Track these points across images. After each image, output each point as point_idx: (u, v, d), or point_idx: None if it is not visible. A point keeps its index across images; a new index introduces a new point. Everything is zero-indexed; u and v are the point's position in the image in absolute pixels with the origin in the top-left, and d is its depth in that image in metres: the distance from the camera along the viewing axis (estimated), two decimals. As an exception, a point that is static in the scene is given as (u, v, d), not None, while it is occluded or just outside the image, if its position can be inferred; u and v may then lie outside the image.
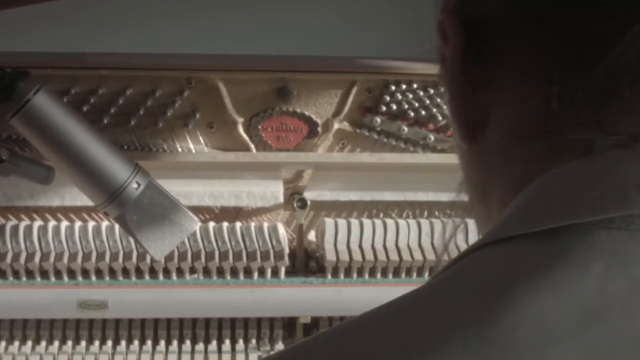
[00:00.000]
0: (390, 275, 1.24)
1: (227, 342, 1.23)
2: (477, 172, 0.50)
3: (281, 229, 1.23)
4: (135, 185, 0.94)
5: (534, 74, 0.44)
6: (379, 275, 1.24)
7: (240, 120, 1.22)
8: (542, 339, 0.37)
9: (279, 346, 1.24)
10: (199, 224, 1.16)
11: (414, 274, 1.24)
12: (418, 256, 1.23)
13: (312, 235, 1.28)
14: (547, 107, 0.44)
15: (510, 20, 0.45)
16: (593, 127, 0.42)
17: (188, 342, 1.23)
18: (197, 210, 1.17)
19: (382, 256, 1.22)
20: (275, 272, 1.22)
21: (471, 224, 0.55)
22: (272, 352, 1.23)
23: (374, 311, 0.42)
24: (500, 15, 0.46)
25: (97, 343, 1.21)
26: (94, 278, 1.19)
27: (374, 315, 0.42)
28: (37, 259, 1.17)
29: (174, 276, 1.20)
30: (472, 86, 0.47)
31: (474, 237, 0.48)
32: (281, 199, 1.24)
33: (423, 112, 1.25)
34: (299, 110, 1.23)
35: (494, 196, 0.48)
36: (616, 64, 0.41)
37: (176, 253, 1.19)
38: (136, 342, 1.22)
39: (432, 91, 1.25)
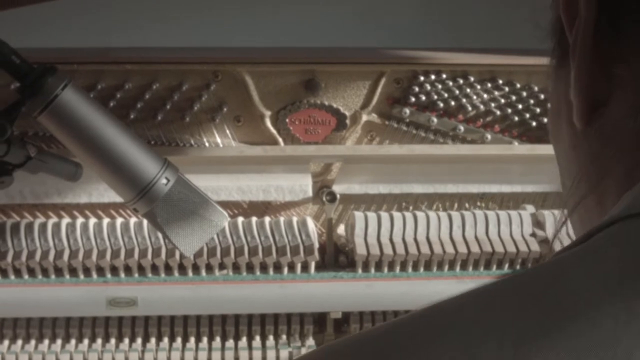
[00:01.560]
0: (422, 269, 1.22)
1: (258, 338, 1.22)
2: (592, 158, 0.45)
3: (310, 223, 1.21)
4: (164, 181, 0.93)
5: None
6: (410, 269, 1.22)
7: (267, 113, 1.21)
8: None
9: (310, 342, 1.23)
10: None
11: (446, 267, 1.22)
12: (450, 249, 1.21)
13: (341, 229, 1.27)
14: None
15: None
16: None
17: (218, 339, 1.22)
18: (225, 205, 1.15)
19: (413, 249, 1.20)
20: (305, 267, 1.21)
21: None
22: (310, 349, 1.22)
23: (506, 283, 0.39)
24: None
25: (126, 341, 1.21)
26: (122, 275, 1.18)
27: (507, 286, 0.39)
28: (65, 256, 1.17)
29: (203, 272, 1.19)
30: (604, 61, 0.42)
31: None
32: (310, 193, 1.23)
33: (452, 103, 1.23)
34: (326, 103, 1.22)
35: (612, 187, 0.44)
36: None
37: (205, 249, 1.18)
38: (166, 340, 1.21)
39: (461, 81, 1.23)
